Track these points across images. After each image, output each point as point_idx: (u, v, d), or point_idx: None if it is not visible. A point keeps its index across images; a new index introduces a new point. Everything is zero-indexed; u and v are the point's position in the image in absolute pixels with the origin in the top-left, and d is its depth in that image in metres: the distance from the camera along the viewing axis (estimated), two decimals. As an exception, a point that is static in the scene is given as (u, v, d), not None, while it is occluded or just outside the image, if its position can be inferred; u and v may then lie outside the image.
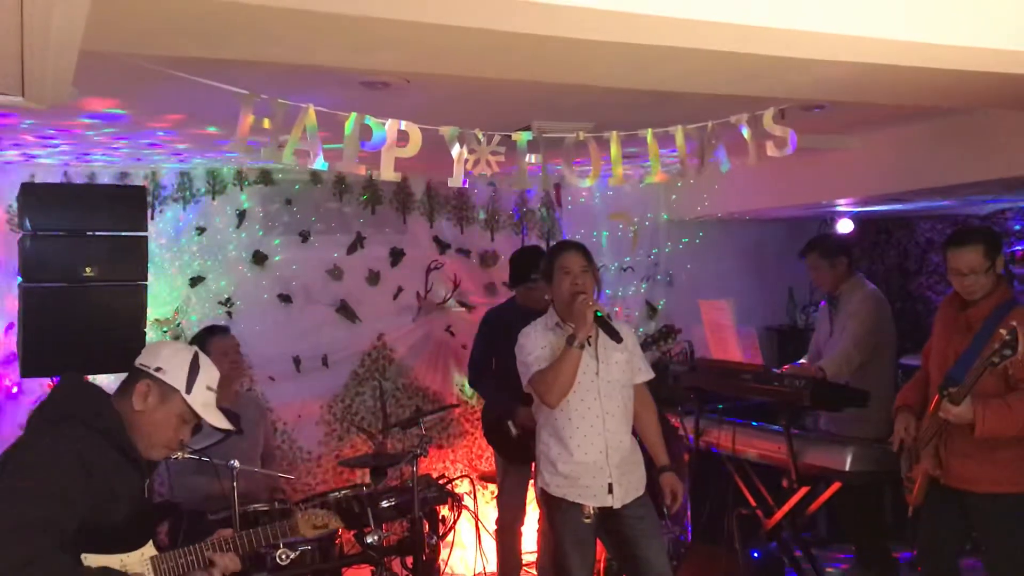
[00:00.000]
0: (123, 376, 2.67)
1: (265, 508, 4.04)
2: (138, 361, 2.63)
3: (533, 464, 4.81)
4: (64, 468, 2.35)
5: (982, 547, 3.79)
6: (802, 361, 5.19)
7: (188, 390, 2.59)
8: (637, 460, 3.80)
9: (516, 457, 4.83)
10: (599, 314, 3.59)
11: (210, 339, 4.53)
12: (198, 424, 2.69)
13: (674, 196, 6.60)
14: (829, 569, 5.32)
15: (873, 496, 4.93)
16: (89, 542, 2.41)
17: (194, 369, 2.62)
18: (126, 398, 2.57)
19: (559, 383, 3.58)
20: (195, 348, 2.72)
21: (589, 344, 3.64)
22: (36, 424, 2.52)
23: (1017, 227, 6.39)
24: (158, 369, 2.58)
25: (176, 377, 2.59)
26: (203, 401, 2.63)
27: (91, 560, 2.41)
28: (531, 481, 4.95)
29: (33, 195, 3.89)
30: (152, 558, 2.57)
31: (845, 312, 4.97)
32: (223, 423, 2.70)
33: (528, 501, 5.12)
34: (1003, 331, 3.33)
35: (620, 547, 3.77)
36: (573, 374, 3.58)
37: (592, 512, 3.65)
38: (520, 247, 5.63)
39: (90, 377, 3.93)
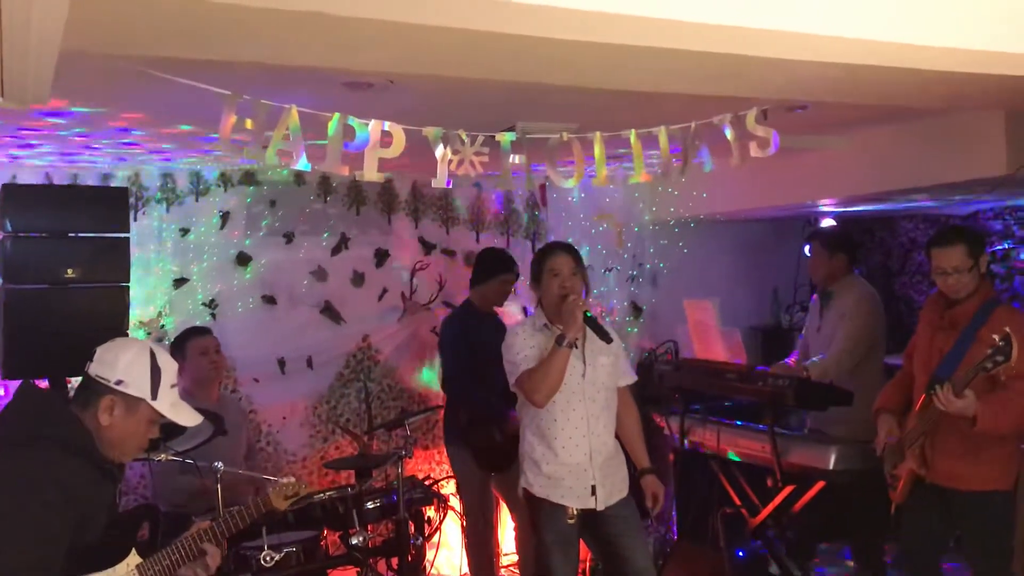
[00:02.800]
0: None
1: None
2: (93, 371, 2.50)
3: (494, 473, 4.81)
4: (46, 501, 2.28)
5: (965, 545, 3.81)
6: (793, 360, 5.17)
7: (154, 396, 2.51)
8: (620, 462, 3.81)
9: (493, 465, 4.79)
10: (588, 314, 3.60)
11: (188, 340, 4.51)
12: (180, 427, 2.67)
13: (658, 197, 6.61)
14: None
15: (859, 494, 4.95)
16: (73, 566, 2.35)
17: (155, 372, 2.52)
18: (90, 411, 2.47)
19: (547, 383, 3.58)
20: (149, 345, 2.60)
21: (577, 346, 3.65)
22: (3, 449, 2.38)
23: (998, 227, 6.43)
24: (119, 382, 2.47)
25: (140, 386, 2.49)
26: (170, 402, 2.55)
27: None
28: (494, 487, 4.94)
29: (14, 196, 3.86)
30: (138, 566, 2.53)
31: (837, 311, 4.90)
32: (193, 419, 2.63)
33: (501, 505, 5.13)
34: (996, 337, 3.30)
35: (603, 547, 3.77)
36: (561, 374, 3.58)
37: (575, 513, 3.65)
38: (486, 248, 5.57)
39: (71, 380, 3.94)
